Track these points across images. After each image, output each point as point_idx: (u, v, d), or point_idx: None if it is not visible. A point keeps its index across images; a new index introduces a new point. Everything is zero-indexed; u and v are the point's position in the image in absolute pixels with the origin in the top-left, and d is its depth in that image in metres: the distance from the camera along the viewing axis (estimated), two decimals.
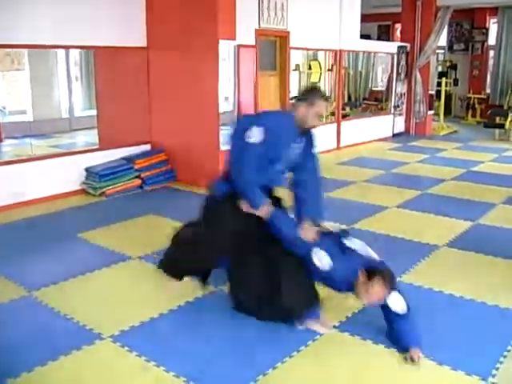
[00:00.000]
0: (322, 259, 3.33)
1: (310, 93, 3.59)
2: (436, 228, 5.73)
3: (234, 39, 7.04)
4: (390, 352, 3.28)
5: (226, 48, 6.98)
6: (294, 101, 3.86)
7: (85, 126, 9.19)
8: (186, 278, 3.97)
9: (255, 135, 3.39)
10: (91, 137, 7.40)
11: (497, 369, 3.11)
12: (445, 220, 5.97)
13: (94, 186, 6.70)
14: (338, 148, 10.43)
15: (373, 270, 3.24)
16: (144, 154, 7.34)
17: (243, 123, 3.57)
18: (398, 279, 4.29)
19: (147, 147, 7.61)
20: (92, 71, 7.47)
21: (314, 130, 3.65)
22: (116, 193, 6.76)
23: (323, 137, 9.96)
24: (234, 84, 7.35)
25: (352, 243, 3.49)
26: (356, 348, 3.34)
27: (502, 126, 12.51)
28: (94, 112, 7.38)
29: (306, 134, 3.61)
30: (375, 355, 3.27)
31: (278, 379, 3.01)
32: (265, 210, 3.49)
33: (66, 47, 7.12)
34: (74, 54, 8.13)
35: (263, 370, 3.06)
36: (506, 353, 3.29)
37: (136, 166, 7.04)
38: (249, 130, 3.41)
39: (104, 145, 7.18)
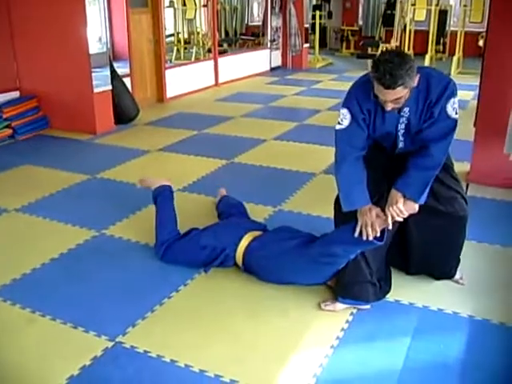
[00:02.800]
0: None
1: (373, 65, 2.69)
2: (313, 157, 5.93)
3: None
4: None
5: None
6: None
7: None
8: None
9: None
10: None
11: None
12: (321, 149, 6.18)
13: None
14: (217, 85, 10.37)
15: None
16: (13, 102, 6.90)
17: None
18: (278, 208, 4.49)
19: (16, 94, 7.16)
20: None
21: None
22: None
23: (201, 74, 9.92)
24: (104, 23, 7.02)
25: None
26: None
27: (373, 56, 13.02)
28: None
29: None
30: None
31: (166, 313, 3.09)
32: None
33: None
34: None
35: (151, 307, 3.11)
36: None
37: (4, 115, 6.63)
38: None
39: None
